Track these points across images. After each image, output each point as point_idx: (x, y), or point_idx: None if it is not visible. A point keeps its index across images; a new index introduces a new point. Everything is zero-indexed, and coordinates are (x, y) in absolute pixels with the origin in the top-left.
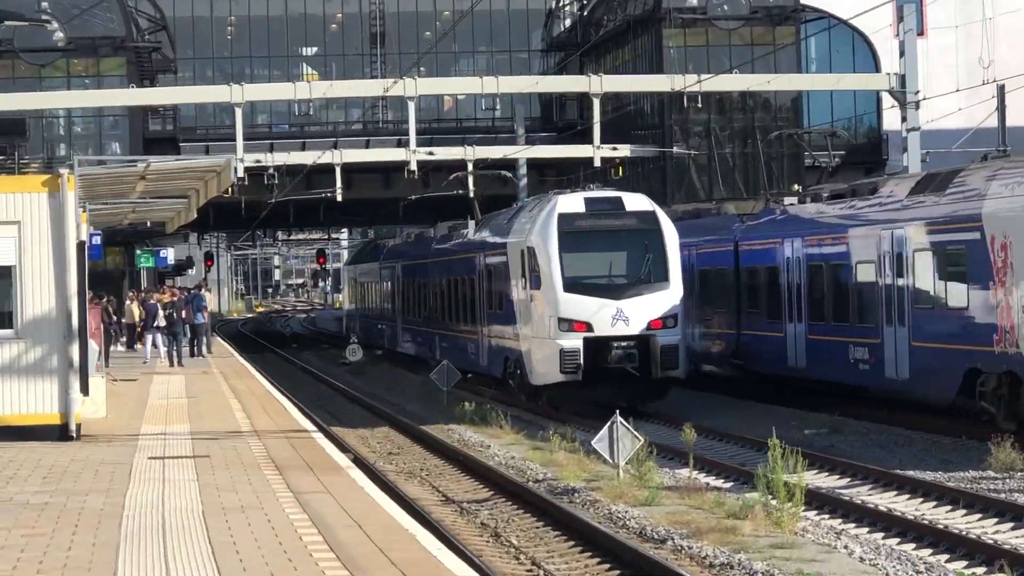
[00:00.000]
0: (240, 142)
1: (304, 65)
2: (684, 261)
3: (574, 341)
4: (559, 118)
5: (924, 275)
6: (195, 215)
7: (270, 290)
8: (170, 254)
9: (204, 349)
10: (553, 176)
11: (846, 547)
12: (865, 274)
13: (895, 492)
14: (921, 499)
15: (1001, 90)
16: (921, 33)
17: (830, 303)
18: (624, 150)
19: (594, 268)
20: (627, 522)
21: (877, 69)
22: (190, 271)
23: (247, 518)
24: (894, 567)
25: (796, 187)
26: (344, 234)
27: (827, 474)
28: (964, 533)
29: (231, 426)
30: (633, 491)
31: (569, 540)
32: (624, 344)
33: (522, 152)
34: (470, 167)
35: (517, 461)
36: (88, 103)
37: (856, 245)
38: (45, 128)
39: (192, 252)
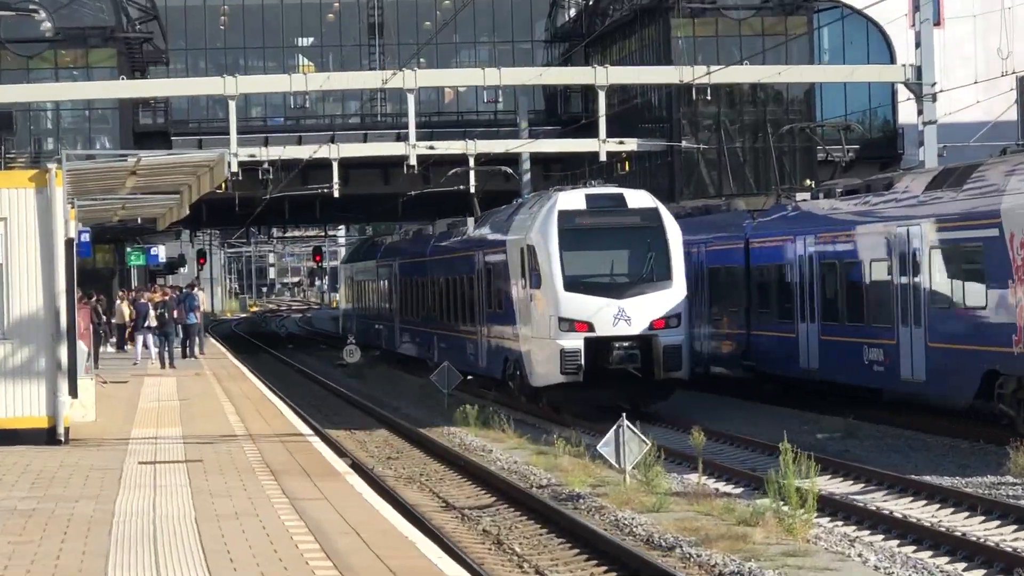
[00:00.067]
0: (234, 136)
1: (300, 56)
2: (693, 259)
3: (575, 341)
4: (563, 111)
5: (941, 274)
6: (187, 211)
7: (265, 289)
8: (161, 252)
9: (196, 350)
10: (558, 171)
11: (860, 555)
12: (880, 272)
13: (911, 498)
14: (938, 505)
15: (1020, 82)
16: (938, 23)
17: (844, 302)
18: (631, 144)
19: (595, 266)
20: (634, 529)
21: (892, 60)
22: (182, 269)
23: (241, 525)
24: (910, 575)
25: (809, 182)
26: (341, 231)
27: (841, 479)
28: (982, 540)
29: (224, 430)
30: (640, 497)
31: (574, 548)
32: (626, 344)
33: (525, 146)
34: (471, 162)
35: (520, 466)
36: (77, 95)
37: (870, 242)
38: (32, 121)
39: (184, 250)
